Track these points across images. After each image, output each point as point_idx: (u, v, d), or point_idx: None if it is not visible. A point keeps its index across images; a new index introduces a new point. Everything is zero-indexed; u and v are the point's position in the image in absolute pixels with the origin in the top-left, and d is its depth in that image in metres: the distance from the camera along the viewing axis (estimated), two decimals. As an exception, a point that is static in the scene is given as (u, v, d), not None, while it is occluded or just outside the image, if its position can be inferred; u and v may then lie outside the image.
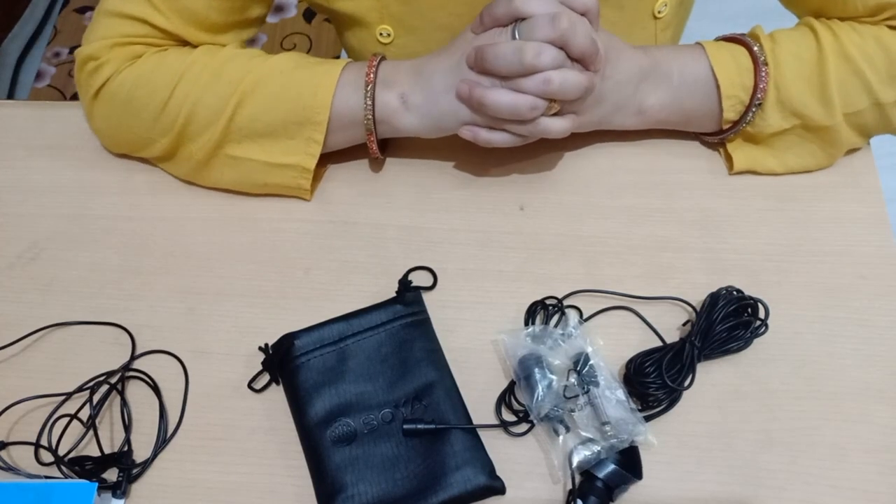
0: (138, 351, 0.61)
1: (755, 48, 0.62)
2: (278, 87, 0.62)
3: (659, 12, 0.70)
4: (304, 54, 0.65)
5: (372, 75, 0.62)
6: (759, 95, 0.62)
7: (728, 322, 0.58)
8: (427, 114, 0.62)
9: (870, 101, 0.62)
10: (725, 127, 0.65)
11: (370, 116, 0.63)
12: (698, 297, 0.61)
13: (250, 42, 0.72)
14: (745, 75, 0.62)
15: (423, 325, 0.59)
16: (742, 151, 0.67)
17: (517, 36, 0.58)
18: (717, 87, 0.62)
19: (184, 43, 0.67)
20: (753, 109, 0.62)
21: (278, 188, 0.67)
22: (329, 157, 0.68)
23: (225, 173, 0.66)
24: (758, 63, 0.61)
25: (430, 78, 0.62)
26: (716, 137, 0.67)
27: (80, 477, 0.54)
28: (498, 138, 0.62)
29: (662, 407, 0.57)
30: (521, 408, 0.57)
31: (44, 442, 0.56)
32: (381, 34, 0.71)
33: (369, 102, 0.62)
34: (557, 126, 0.60)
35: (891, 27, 0.63)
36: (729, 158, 0.68)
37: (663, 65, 0.63)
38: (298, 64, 0.63)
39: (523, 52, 0.56)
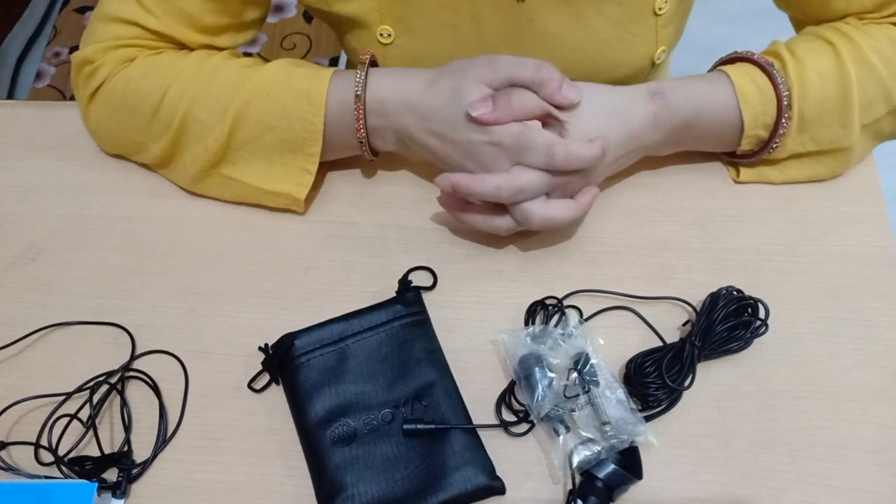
0: (138, 351, 0.61)
1: (780, 83, 0.60)
2: (269, 116, 0.62)
3: (660, 9, 0.70)
4: (295, 63, 0.64)
5: (363, 129, 0.62)
6: (776, 140, 0.61)
7: (728, 322, 0.58)
8: (423, 153, 0.63)
9: (888, 108, 0.62)
10: (740, 153, 0.65)
11: (367, 150, 0.64)
12: (698, 297, 0.61)
13: (250, 42, 0.72)
14: (768, 112, 0.61)
15: (423, 325, 0.59)
16: (751, 168, 0.66)
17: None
18: (742, 126, 0.61)
19: (179, 44, 0.67)
20: (770, 149, 0.62)
21: (272, 206, 0.67)
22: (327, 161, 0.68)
23: (220, 191, 0.67)
24: (780, 102, 0.60)
25: (423, 132, 0.61)
26: (727, 157, 0.67)
27: (80, 477, 0.54)
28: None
29: (662, 407, 0.57)
30: (521, 408, 0.57)
31: (44, 442, 0.56)
32: (381, 35, 0.70)
33: (365, 148, 0.64)
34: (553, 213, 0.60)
35: (895, 24, 0.62)
36: (735, 169, 0.68)
37: (688, 121, 0.62)
38: (287, 80, 0.62)
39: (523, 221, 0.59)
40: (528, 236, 0.65)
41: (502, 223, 0.60)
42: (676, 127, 0.62)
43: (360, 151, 0.65)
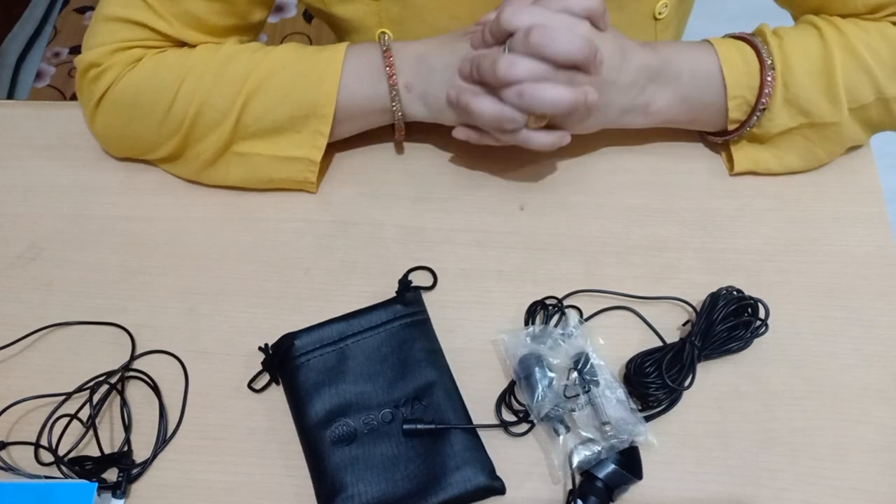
0: (138, 351, 0.61)
1: (762, 50, 0.61)
2: (283, 84, 0.62)
3: (659, 13, 0.70)
4: (305, 45, 0.65)
5: (395, 76, 0.62)
6: (763, 100, 0.61)
7: (728, 322, 0.58)
8: (429, 104, 0.63)
9: (875, 95, 0.62)
10: (731, 127, 0.65)
11: (398, 99, 0.64)
12: (698, 297, 0.61)
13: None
14: (752, 75, 0.62)
15: (423, 325, 0.59)
16: (744, 152, 0.66)
17: (507, 52, 0.58)
18: (725, 86, 0.62)
19: (183, 45, 0.67)
20: (759, 113, 0.62)
21: (285, 182, 0.67)
22: (330, 156, 0.68)
23: (231, 171, 0.66)
24: (764, 65, 0.61)
25: (429, 72, 0.62)
26: (720, 138, 0.67)
27: (80, 477, 0.54)
28: (488, 141, 0.62)
29: (662, 407, 0.57)
30: (521, 408, 0.57)
31: (44, 442, 0.56)
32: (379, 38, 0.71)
33: (396, 94, 0.63)
34: (538, 140, 0.60)
35: (894, 23, 0.62)
36: (730, 159, 0.68)
37: (673, 65, 0.63)
38: (300, 56, 0.63)
39: (497, 64, 0.56)
40: (528, 235, 0.65)
41: (500, 109, 0.58)
42: (663, 66, 0.62)
43: (384, 115, 0.65)
